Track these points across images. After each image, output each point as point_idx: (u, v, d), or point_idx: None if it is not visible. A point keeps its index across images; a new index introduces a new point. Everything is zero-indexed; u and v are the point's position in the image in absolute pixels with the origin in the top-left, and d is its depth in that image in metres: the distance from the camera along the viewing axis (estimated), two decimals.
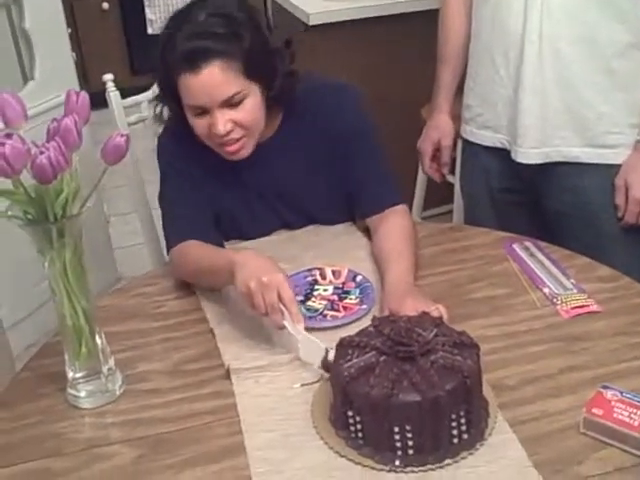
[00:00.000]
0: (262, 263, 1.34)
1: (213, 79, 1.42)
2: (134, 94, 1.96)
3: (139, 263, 3.07)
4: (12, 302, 2.46)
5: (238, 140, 1.49)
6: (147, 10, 4.09)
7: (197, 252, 1.51)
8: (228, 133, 1.47)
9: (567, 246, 1.62)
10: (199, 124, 1.49)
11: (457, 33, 1.91)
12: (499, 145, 1.81)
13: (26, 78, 2.64)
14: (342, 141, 1.61)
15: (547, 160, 1.73)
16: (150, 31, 4.06)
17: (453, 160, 2.80)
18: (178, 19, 1.48)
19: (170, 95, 1.51)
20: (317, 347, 1.26)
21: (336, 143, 1.61)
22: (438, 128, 1.95)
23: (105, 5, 4.55)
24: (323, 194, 1.66)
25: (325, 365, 1.24)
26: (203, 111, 1.46)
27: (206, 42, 1.41)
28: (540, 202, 1.82)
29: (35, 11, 2.55)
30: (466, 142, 1.95)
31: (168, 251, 1.59)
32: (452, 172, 2.83)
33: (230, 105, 1.45)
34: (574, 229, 1.75)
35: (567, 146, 1.70)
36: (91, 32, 4.44)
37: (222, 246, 1.58)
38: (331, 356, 1.20)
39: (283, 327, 1.31)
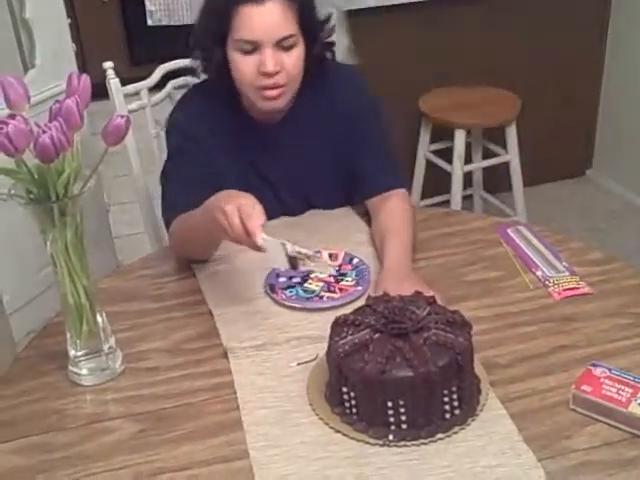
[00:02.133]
0: (225, 194, 1.35)
1: (275, 13, 1.48)
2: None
3: (138, 252, 3.08)
4: (14, 289, 2.48)
5: (279, 87, 1.53)
6: (147, 1, 4.08)
7: (183, 220, 1.53)
8: (276, 73, 1.50)
9: None
10: (246, 64, 1.51)
11: None
12: None
13: (26, 67, 2.66)
14: (351, 121, 1.65)
15: None
16: (150, 22, 4.04)
17: (450, 150, 2.85)
18: None
19: (216, 36, 1.53)
20: (278, 246, 1.28)
21: (345, 123, 1.65)
22: None
23: None
24: (325, 177, 1.69)
25: (290, 261, 1.27)
26: (254, 49, 1.49)
27: None
28: None
29: (36, 1, 2.56)
30: None
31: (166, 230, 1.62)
32: (449, 162, 2.87)
33: (282, 47, 1.50)
34: None
35: None
36: (91, 23, 4.45)
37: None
38: (289, 248, 1.24)
39: (261, 248, 1.29)
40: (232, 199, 1.32)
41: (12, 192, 1.14)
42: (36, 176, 1.12)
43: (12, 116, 1.08)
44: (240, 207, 1.29)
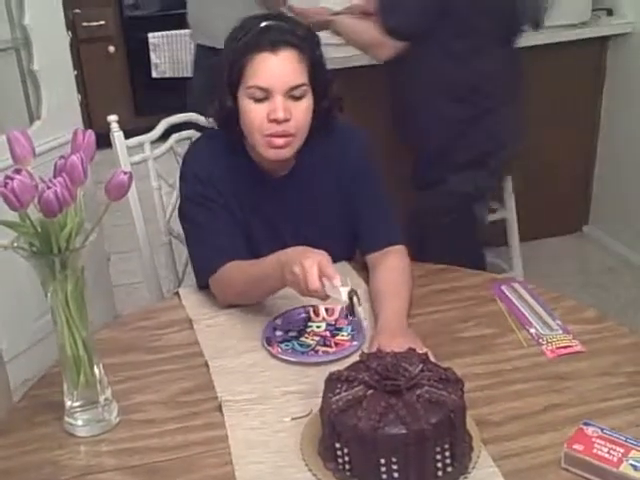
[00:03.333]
0: (303, 250, 1.43)
1: (288, 62, 1.54)
2: (137, 135, 2.01)
3: (136, 301, 3.12)
4: (12, 336, 2.49)
5: (287, 136, 1.56)
6: (152, 54, 4.18)
7: (242, 270, 1.57)
8: (285, 121, 1.54)
9: None
10: (256, 111, 1.56)
11: None
12: None
13: (32, 117, 2.71)
14: (353, 178, 1.70)
15: None
16: (154, 75, 4.15)
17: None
18: (262, 15, 1.61)
19: (228, 84, 1.58)
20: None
21: (347, 180, 1.70)
22: None
23: (111, 48, 4.66)
24: (327, 230, 1.72)
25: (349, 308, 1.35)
26: (265, 97, 1.54)
27: (287, 35, 1.55)
28: None
29: (44, 53, 2.62)
30: None
31: (201, 277, 1.66)
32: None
33: (292, 97, 1.55)
34: None
35: None
36: (97, 74, 4.54)
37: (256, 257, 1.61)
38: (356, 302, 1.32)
39: (327, 298, 1.39)
40: (308, 254, 1.40)
41: (15, 244, 1.16)
42: (39, 229, 1.14)
43: (17, 170, 1.11)
44: (319, 262, 1.37)
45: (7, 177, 1.09)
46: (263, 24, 1.56)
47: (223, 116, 1.64)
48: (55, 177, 1.11)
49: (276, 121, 1.54)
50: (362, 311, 1.26)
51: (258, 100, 1.55)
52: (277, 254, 1.48)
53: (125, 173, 1.17)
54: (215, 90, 1.64)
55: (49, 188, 1.08)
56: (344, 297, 1.36)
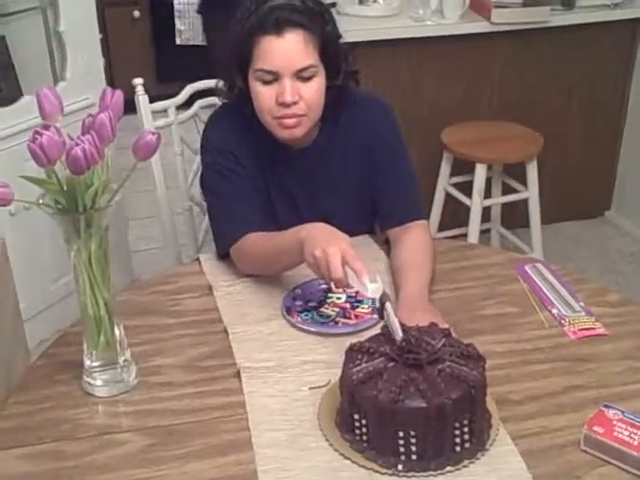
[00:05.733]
0: (326, 233, 1.42)
1: (295, 45, 1.50)
2: (158, 101, 1.99)
3: (153, 268, 3.11)
4: (29, 297, 2.50)
5: (298, 116, 1.54)
6: (177, 21, 4.13)
7: (262, 243, 1.56)
8: (294, 104, 1.52)
9: None
10: (265, 93, 1.54)
11: None
12: None
13: (57, 79, 2.70)
14: (376, 151, 1.67)
15: None
16: (178, 41, 4.10)
17: (470, 183, 2.86)
18: None
19: (237, 65, 1.56)
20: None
21: (370, 152, 1.67)
22: None
23: (136, 13, 4.63)
24: (347, 203, 1.71)
25: (379, 312, 1.31)
26: (274, 79, 1.52)
27: (294, 14, 1.50)
28: None
29: (70, 15, 2.61)
30: None
31: (221, 246, 1.65)
32: (469, 195, 2.88)
33: (301, 78, 1.52)
34: None
35: None
36: (121, 39, 4.51)
37: (278, 229, 1.59)
38: (388, 307, 1.27)
39: (350, 287, 1.38)
40: (333, 240, 1.38)
41: (40, 201, 1.16)
42: (65, 187, 1.14)
43: (46, 127, 1.11)
44: (344, 252, 1.35)
45: (36, 132, 1.08)
46: (269, 3, 1.50)
47: (234, 95, 1.62)
48: (83, 134, 1.11)
49: (285, 104, 1.52)
50: (396, 320, 1.22)
51: (266, 82, 1.53)
52: (296, 229, 1.47)
53: (153, 133, 1.16)
54: (224, 69, 1.62)
55: (77, 145, 1.07)
56: (370, 293, 1.33)
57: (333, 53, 1.57)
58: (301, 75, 1.52)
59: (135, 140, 1.17)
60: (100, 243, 1.20)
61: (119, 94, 1.19)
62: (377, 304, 1.31)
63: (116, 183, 1.20)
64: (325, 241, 1.38)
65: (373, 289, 1.33)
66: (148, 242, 3.37)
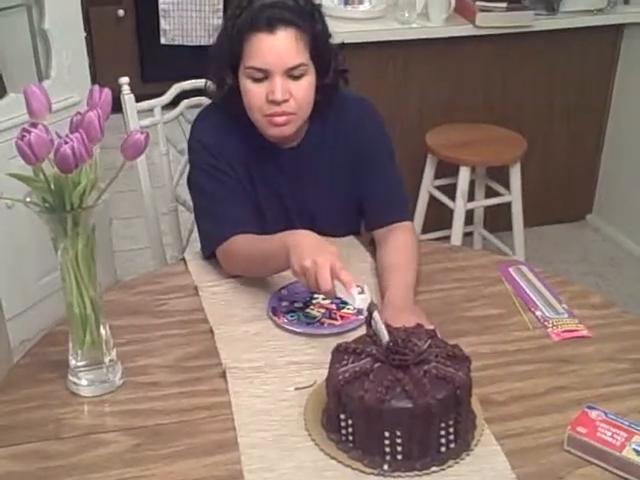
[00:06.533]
0: (314, 242, 1.42)
1: (286, 43, 1.50)
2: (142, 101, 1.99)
3: (136, 268, 3.11)
4: (11, 296, 2.48)
5: (288, 114, 1.55)
6: (162, 20, 4.12)
7: (248, 245, 1.56)
8: (284, 102, 1.53)
9: None
10: (255, 91, 1.54)
11: None
12: None
13: (41, 77, 2.69)
14: (363, 151, 1.68)
15: None
16: (163, 41, 4.09)
17: (454, 186, 2.87)
18: None
19: (228, 62, 1.57)
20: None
21: (357, 153, 1.68)
22: None
23: (121, 12, 4.61)
24: (334, 203, 1.71)
25: (367, 321, 1.29)
26: (264, 76, 1.52)
27: (285, 12, 1.51)
28: None
29: (55, 12, 2.60)
30: None
31: (207, 247, 1.64)
32: (452, 198, 2.90)
33: (291, 76, 1.52)
34: None
35: None
36: (105, 38, 4.50)
37: (265, 232, 1.59)
38: (376, 316, 1.25)
39: (337, 297, 1.39)
40: (321, 251, 1.38)
41: (28, 199, 1.15)
42: (52, 185, 1.13)
43: (34, 124, 1.10)
44: (333, 263, 1.34)
45: (24, 130, 1.08)
46: (260, 1, 1.51)
47: (225, 93, 1.62)
48: (72, 133, 1.10)
49: (275, 102, 1.53)
50: (383, 328, 1.22)
51: (257, 80, 1.53)
52: (283, 235, 1.47)
53: (142, 133, 1.16)
54: (215, 67, 1.62)
55: (66, 143, 1.07)
56: (357, 304, 1.34)
57: (323, 52, 1.58)
58: (292, 73, 1.52)
59: (124, 139, 1.17)
60: (87, 242, 1.20)
61: (107, 92, 1.19)
62: (365, 314, 1.32)
63: (102, 182, 1.20)
64: (313, 251, 1.38)
65: (360, 300, 1.33)
66: (131, 242, 3.37)
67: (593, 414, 1.19)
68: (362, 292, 1.35)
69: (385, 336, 1.20)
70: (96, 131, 1.12)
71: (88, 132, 1.11)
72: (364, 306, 1.31)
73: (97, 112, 1.12)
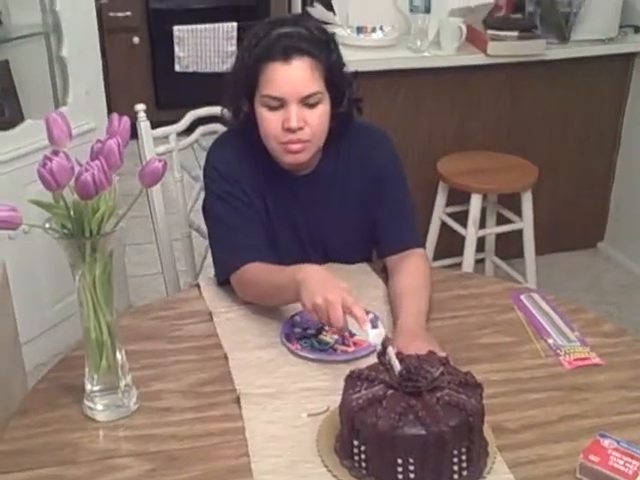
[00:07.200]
0: (324, 278, 1.43)
1: (301, 72, 1.53)
2: (158, 128, 2.01)
3: (150, 293, 3.13)
4: (26, 321, 2.50)
5: (303, 142, 1.57)
6: (176, 47, 4.18)
7: (260, 275, 1.58)
8: (299, 129, 1.55)
9: None
10: (271, 119, 1.56)
11: None
12: None
13: (58, 103, 2.73)
14: (376, 179, 1.70)
15: None
16: (177, 68, 4.14)
17: (465, 213, 2.89)
18: (278, 20, 1.60)
19: (244, 91, 1.59)
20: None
21: (370, 181, 1.70)
22: None
23: (136, 40, 4.68)
24: (347, 231, 1.73)
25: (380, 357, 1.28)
26: (280, 105, 1.54)
27: (301, 42, 1.53)
28: None
29: (73, 40, 2.64)
30: None
31: (221, 274, 1.66)
32: (463, 225, 2.91)
33: (307, 104, 1.55)
34: None
35: None
36: (120, 65, 4.55)
37: (279, 261, 1.60)
38: (390, 352, 1.24)
39: (349, 332, 1.42)
40: (331, 287, 1.39)
41: (47, 225, 1.17)
42: (72, 212, 1.15)
43: (55, 152, 1.12)
44: (344, 299, 1.36)
45: (46, 157, 1.10)
46: (276, 31, 1.54)
47: (240, 120, 1.64)
48: (92, 160, 1.13)
49: (290, 130, 1.55)
50: (397, 363, 1.22)
51: (273, 108, 1.56)
52: (294, 270, 1.48)
53: (160, 161, 1.18)
54: (231, 94, 1.64)
55: (87, 171, 1.09)
56: (371, 339, 1.35)
57: (338, 81, 1.60)
58: (307, 102, 1.55)
59: (141, 167, 1.20)
60: (104, 268, 1.22)
61: (126, 120, 1.21)
62: (379, 348, 1.30)
63: (119, 208, 1.22)
64: (324, 288, 1.39)
65: (374, 335, 1.34)
66: (144, 268, 3.38)
67: (606, 442, 1.19)
68: (375, 327, 1.36)
69: (397, 370, 1.21)
70: (116, 158, 1.14)
71: (108, 159, 1.13)
72: (378, 341, 1.31)
73: (117, 140, 1.15)
